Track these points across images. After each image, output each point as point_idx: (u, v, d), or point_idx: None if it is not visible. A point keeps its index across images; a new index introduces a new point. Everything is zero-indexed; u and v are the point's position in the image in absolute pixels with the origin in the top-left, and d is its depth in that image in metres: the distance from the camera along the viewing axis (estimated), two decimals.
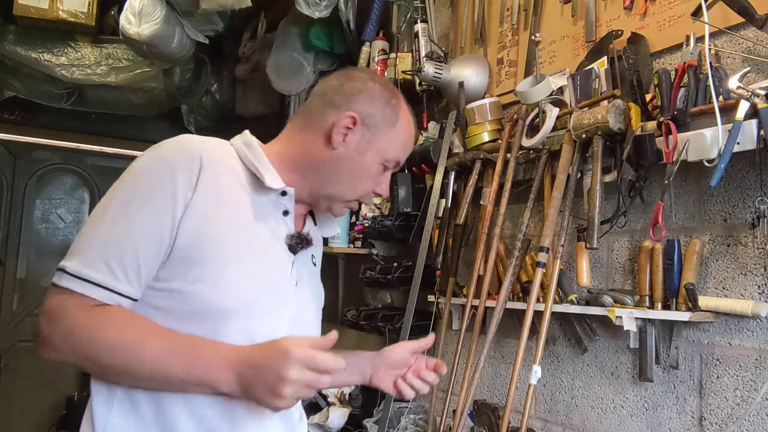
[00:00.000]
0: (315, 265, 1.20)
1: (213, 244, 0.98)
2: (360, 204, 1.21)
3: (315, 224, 1.22)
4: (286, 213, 1.09)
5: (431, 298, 2.27)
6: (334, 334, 0.96)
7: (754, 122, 1.30)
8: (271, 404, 0.91)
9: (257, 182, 1.06)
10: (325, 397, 2.58)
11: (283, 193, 1.08)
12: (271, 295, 1.05)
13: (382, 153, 1.12)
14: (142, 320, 0.96)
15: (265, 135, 1.16)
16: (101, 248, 0.95)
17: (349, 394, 2.48)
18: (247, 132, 1.14)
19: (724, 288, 1.49)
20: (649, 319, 1.58)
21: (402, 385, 1.22)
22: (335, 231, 1.27)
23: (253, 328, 1.01)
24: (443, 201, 2.27)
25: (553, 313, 1.70)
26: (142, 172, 0.99)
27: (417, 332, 2.33)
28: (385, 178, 1.16)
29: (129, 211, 0.96)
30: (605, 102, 1.62)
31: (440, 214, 2.28)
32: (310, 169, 1.11)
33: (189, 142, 1.03)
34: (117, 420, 0.97)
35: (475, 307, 1.99)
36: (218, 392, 0.95)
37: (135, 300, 0.96)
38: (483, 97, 2.21)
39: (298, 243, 1.11)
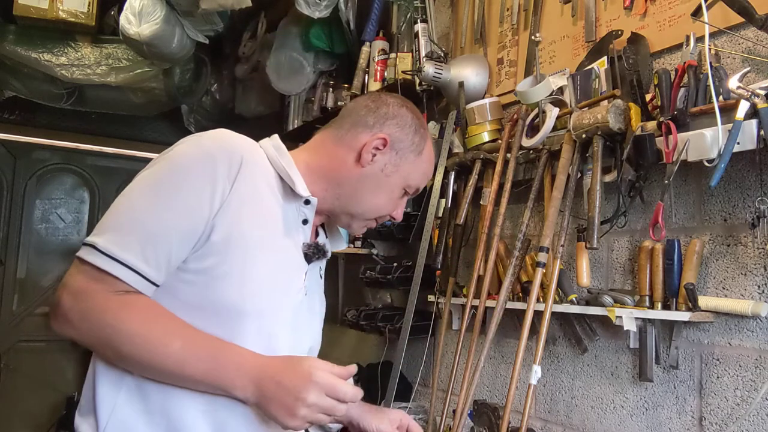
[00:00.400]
0: (321, 277, 1.22)
1: (243, 243, 0.99)
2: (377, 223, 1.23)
3: (326, 237, 1.24)
4: (305, 222, 1.11)
5: (431, 298, 2.27)
6: (353, 368, 0.98)
7: (754, 122, 1.29)
8: (283, 421, 0.93)
9: (285, 188, 1.09)
10: None
11: (306, 202, 1.10)
12: (283, 301, 1.06)
13: (405, 178, 1.16)
14: (167, 314, 0.95)
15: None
16: (135, 230, 0.94)
17: None
18: (276, 136, 1.16)
19: (724, 288, 1.49)
20: (649, 319, 1.58)
21: None
22: (344, 246, 1.30)
23: (266, 330, 1.02)
24: (443, 201, 2.27)
25: (553, 313, 1.70)
26: (183, 160, 0.99)
27: (417, 332, 2.33)
28: (402, 203, 1.20)
29: (168, 197, 0.96)
30: (605, 102, 1.62)
31: (440, 214, 2.28)
32: (336, 183, 1.13)
33: (231, 138, 1.04)
34: (123, 407, 0.97)
35: (475, 307, 1.99)
36: (232, 396, 0.96)
37: (158, 286, 0.96)
38: (483, 97, 2.21)
39: (314, 253, 1.13)
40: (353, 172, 1.13)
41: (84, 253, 0.93)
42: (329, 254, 1.21)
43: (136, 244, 0.93)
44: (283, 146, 1.13)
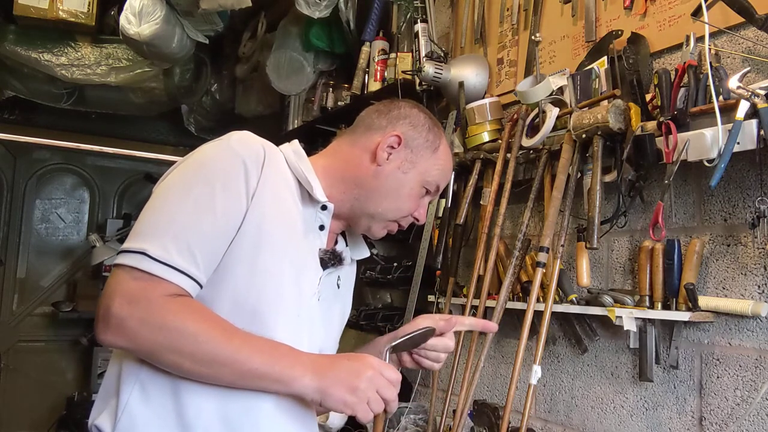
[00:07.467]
0: (339, 287, 1.21)
1: (266, 243, 1.01)
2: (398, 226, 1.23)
3: (346, 245, 1.24)
4: (321, 228, 1.12)
5: (431, 298, 2.27)
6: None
7: (754, 122, 1.29)
8: (344, 399, 0.95)
9: (303, 193, 1.10)
10: None
11: (323, 208, 1.11)
12: (298, 305, 1.07)
13: (423, 175, 1.16)
14: (214, 313, 0.97)
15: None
16: (183, 235, 0.95)
17: None
18: (296, 141, 1.17)
19: (724, 288, 1.49)
20: (649, 319, 1.58)
21: (418, 358, 1.22)
22: (366, 254, 1.29)
23: (280, 334, 1.02)
24: (443, 201, 2.27)
25: (553, 313, 1.70)
26: (217, 163, 1.01)
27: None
28: (424, 203, 1.20)
29: (208, 200, 0.97)
30: (605, 102, 1.62)
31: (440, 214, 2.27)
32: (354, 184, 1.14)
33: (253, 138, 1.07)
34: (136, 405, 0.97)
35: (475, 307, 1.99)
36: (291, 391, 0.97)
37: (202, 288, 0.98)
38: (483, 97, 2.21)
39: (330, 259, 1.14)
40: (370, 172, 1.14)
41: (135, 261, 0.93)
42: (347, 261, 1.21)
43: (186, 249, 0.94)
44: (302, 151, 1.14)
